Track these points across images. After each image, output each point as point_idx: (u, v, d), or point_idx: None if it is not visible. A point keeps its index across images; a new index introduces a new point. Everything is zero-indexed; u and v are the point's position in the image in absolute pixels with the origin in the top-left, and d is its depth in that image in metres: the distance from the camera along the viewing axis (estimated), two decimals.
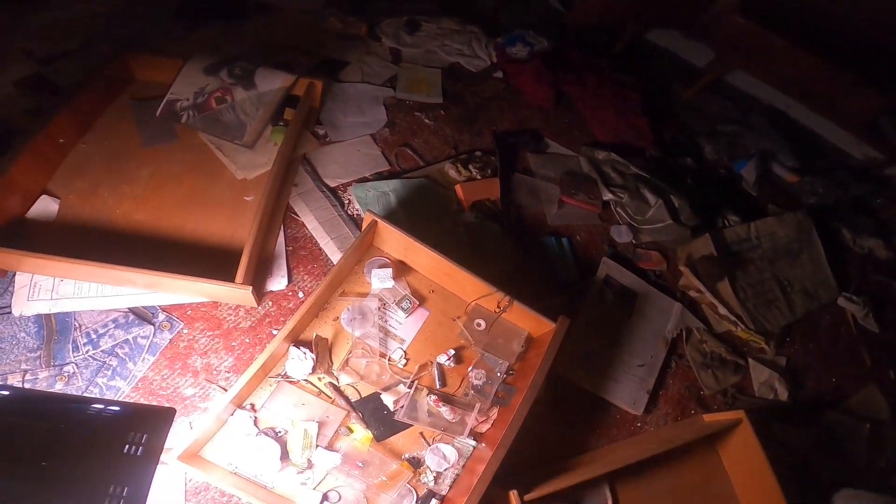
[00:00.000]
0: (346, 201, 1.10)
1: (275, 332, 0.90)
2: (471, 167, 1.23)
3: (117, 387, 0.83)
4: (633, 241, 1.25)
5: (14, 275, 0.86)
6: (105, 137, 1.04)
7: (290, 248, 0.99)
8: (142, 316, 0.87)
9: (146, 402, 0.85)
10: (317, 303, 0.86)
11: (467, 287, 0.93)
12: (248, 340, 0.89)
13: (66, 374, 0.83)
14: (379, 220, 0.90)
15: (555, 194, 1.27)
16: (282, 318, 0.92)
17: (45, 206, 0.91)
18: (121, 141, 1.04)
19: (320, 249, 1.01)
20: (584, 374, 1.00)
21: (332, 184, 1.11)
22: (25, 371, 0.82)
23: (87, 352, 0.85)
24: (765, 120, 1.74)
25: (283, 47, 1.38)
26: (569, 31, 1.78)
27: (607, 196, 1.30)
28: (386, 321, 0.92)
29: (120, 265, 0.80)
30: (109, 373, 0.84)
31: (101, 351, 0.85)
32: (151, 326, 0.86)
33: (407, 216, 1.07)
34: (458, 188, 1.16)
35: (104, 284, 0.87)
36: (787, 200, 1.51)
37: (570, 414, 0.97)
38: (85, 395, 0.85)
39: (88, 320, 0.86)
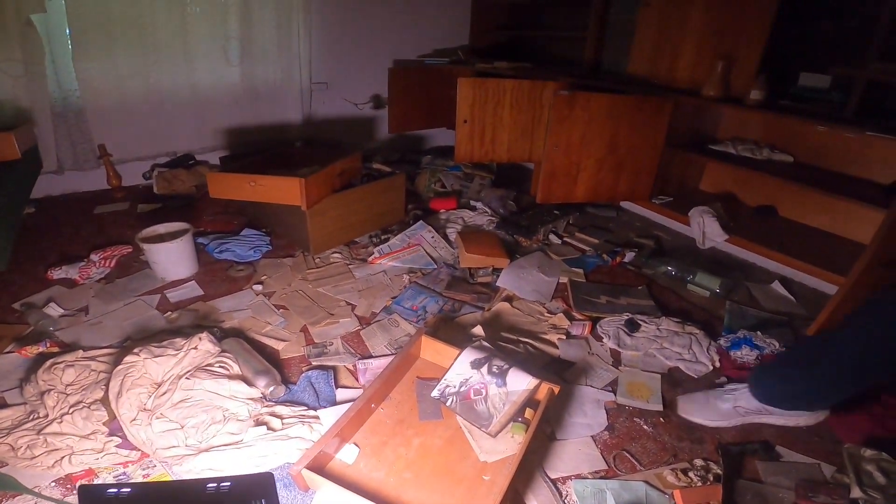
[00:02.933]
0: (565, 493, 1.20)
1: None
2: (691, 475, 1.24)
3: None
4: None
5: (314, 493, 1.15)
6: (395, 405, 1.39)
7: None
8: None
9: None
10: None
11: None
12: None
13: None
14: None
15: (787, 499, 1.17)
16: None
17: (350, 452, 1.24)
18: (405, 411, 1.37)
19: None
20: None
21: (553, 476, 1.24)
22: None
23: None
24: None
25: (519, 341, 1.67)
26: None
27: (856, 494, 1.13)
28: None
29: None
30: None
31: None
32: None
33: None
34: (676, 493, 1.17)
35: None
36: None
37: None
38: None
39: None
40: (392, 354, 1.61)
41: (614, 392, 1.51)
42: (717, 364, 1.62)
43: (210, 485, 0.98)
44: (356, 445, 1.25)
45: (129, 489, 0.95)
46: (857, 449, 1.30)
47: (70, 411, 1.28)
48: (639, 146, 2.42)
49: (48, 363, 1.39)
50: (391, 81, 3.12)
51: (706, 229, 2.33)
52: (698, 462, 1.29)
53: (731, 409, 1.39)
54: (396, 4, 3.33)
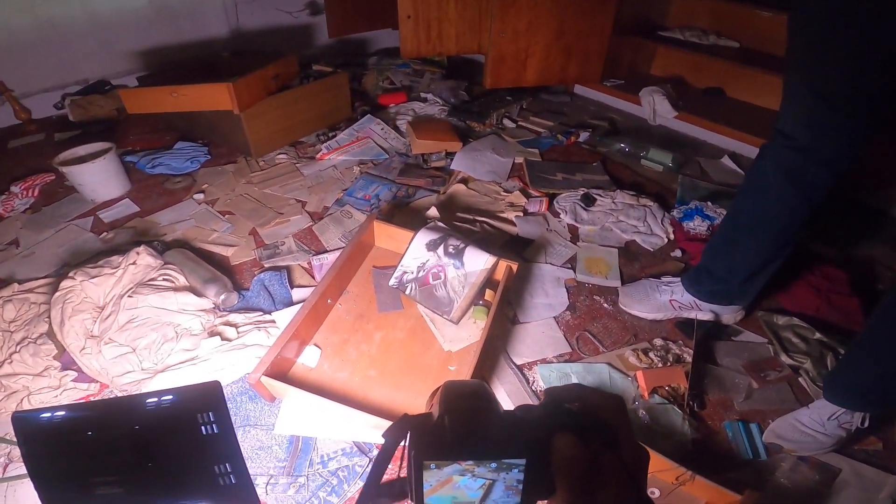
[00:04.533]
0: (531, 378, 1.19)
1: None
2: (651, 355, 1.24)
3: (332, 501, 0.98)
4: None
5: (281, 402, 1.11)
6: (353, 299, 1.32)
7: None
8: (361, 449, 1.05)
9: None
10: None
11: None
12: None
13: (297, 484, 1.01)
14: None
15: (742, 383, 1.20)
16: None
17: (311, 354, 1.18)
18: (363, 304, 1.31)
19: None
20: None
21: (519, 362, 1.22)
22: (270, 476, 1.01)
23: (317, 469, 1.03)
24: None
25: (476, 221, 1.61)
26: None
27: (787, 360, 1.23)
28: None
29: (352, 408, 1.00)
30: (329, 489, 1.01)
31: (327, 471, 1.02)
32: (367, 458, 1.03)
33: None
34: (639, 374, 1.18)
35: (341, 421, 1.06)
36: None
37: None
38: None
39: (323, 445, 1.05)
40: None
41: (574, 270, 1.48)
42: (672, 236, 1.61)
43: (150, 399, 0.89)
44: (317, 347, 1.19)
45: (63, 412, 0.86)
46: (771, 316, 1.35)
47: (17, 349, 1.16)
48: (586, 31, 2.30)
49: None
50: None
51: (657, 107, 2.27)
52: (658, 342, 1.28)
53: (666, 302, 1.35)
54: None
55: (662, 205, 1.72)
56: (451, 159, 1.96)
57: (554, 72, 2.37)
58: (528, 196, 1.76)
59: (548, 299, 1.38)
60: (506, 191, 1.80)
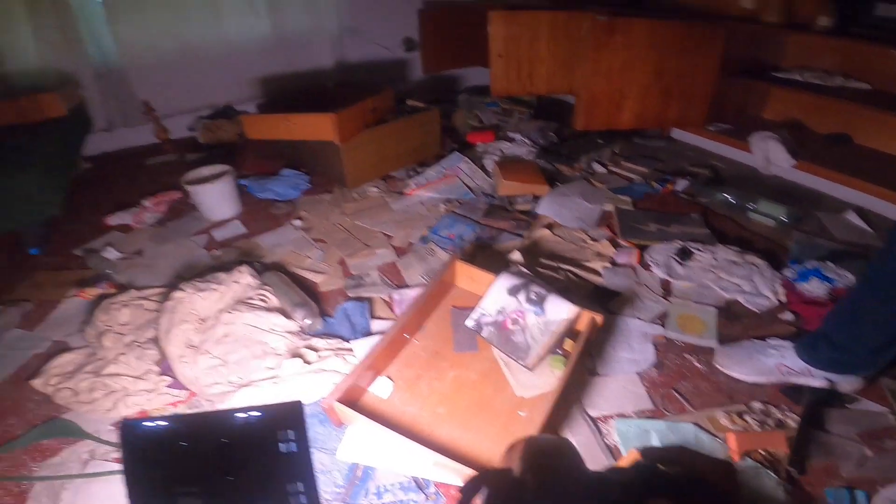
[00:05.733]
0: (606, 432, 1.11)
1: None
2: (747, 418, 1.11)
3: None
4: None
5: (347, 428, 1.11)
6: (429, 336, 1.32)
7: None
8: (419, 485, 1.02)
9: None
10: None
11: None
12: None
13: None
14: None
15: (854, 451, 1.04)
16: None
17: (384, 385, 1.18)
18: (439, 342, 1.30)
19: None
20: None
21: (594, 414, 1.14)
22: (327, 501, 1.00)
23: (372, 500, 1.00)
24: None
25: (560, 269, 1.56)
26: None
27: None
28: None
29: (417, 442, 0.98)
30: None
31: (381, 503, 1.00)
32: (423, 495, 1.00)
33: None
34: (730, 436, 1.04)
35: (403, 454, 1.04)
36: None
37: None
38: None
39: (382, 477, 1.03)
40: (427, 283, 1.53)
41: (664, 325, 1.37)
42: (782, 298, 1.44)
43: (240, 415, 0.95)
44: (390, 379, 1.19)
45: (165, 423, 0.94)
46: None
47: (125, 352, 1.28)
48: (688, 73, 2.17)
49: (105, 303, 1.41)
50: (422, 23, 2.97)
51: (771, 155, 2.06)
52: (756, 405, 1.15)
53: (772, 366, 1.21)
54: None
55: (772, 263, 1.55)
56: (538, 203, 1.92)
57: (651, 114, 2.27)
58: (617, 246, 1.68)
59: (632, 354, 1.28)
60: (593, 239, 1.72)
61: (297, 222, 1.89)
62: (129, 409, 1.18)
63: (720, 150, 2.35)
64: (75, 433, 1.16)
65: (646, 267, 1.59)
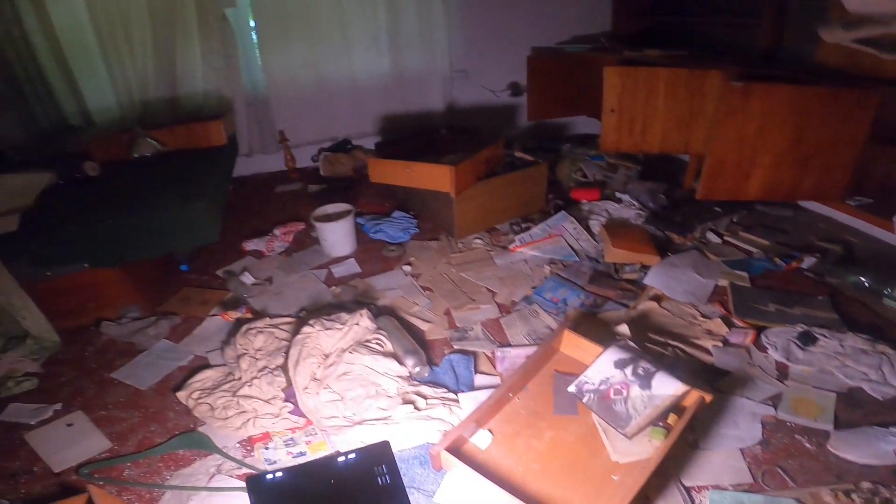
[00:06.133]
0: (698, 501, 1.16)
1: None
2: (854, 496, 1.12)
3: None
4: None
5: (445, 473, 1.26)
6: (531, 396, 1.44)
7: None
8: None
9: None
10: None
11: None
12: None
13: None
14: None
15: None
16: None
17: (483, 437, 1.32)
18: (540, 403, 1.42)
19: None
20: None
21: (688, 483, 1.20)
22: None
23: None
24: None
25: (668, 344, 1.61)
26: None
27: None
28: None
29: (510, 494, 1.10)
30: None
31: None
32: None
33: None
34: None
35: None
36: None
37: None
38: None
39: None
40: (530, 345, 1.66)
41: (775, 407, 1.39)
42: None
43: (340, 458, 1.23)
44: (490, 432, 1.33)
45: (281, 474, 1.24)
46: None
47: (258, 375, 1.53)
48: (831, 142, 2.08)
49: (244, 328, 1.70)
50: (530, 70, 3.13)
51: None
52: (865, 485, 1.15)
53: (891, 451, 1.22)
54: None
55: None
56: (646, 273, 1.95)
57: (783, 186, 2.20)
58: (730, 325, 1.68)
59: (738, 431, 1.32)
60: (704, 316, 1.74)
61: (407, 268, 2.12)
62: (255, 430, 1.42)
63: (855, 225, 2.24)
64: (207, 447, 1.40)
65: (761, 348, 1.59)
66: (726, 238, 2.20)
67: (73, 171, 2.17)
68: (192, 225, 1.87)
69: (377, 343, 1.54)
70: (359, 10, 3.02)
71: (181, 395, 1.54)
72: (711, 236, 2.21)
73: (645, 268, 2.00)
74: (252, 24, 2.91)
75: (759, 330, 1.65)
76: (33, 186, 2.04)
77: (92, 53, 2.75)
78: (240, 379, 1.55)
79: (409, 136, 2.89)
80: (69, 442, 1.45)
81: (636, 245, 2.05)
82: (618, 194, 2.55)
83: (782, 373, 1.50)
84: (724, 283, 1.90)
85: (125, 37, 2.72)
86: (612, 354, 1.41)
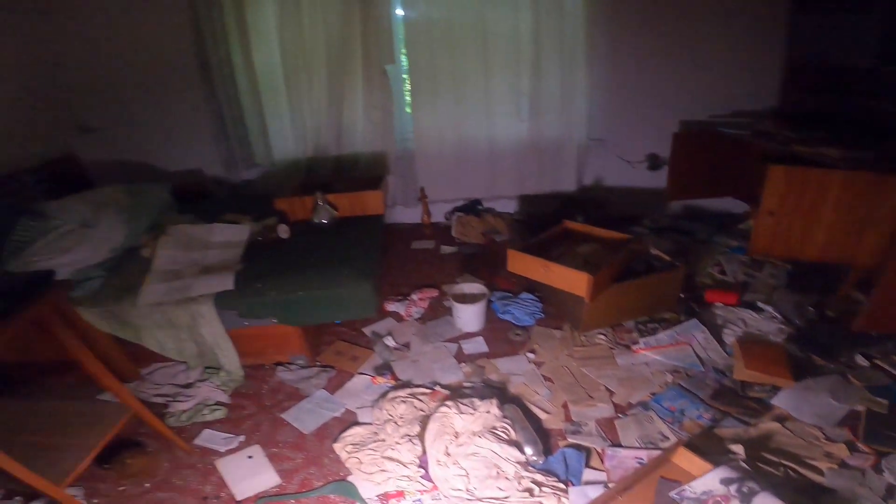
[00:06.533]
0: None
1: None
2: None
3: None
4: None
5: None
6: (634, 499, 1.61)
7: None
8: None
9: None
10: None
11: None
12: None
13: None
14: None
15: None
16: None
17: None
18: None
19: None
20: None
21: None
22: None
23: None
24: None
25: (781, 465, 1.67)
26: None
27: None
28: None
29: None
30: None
31: None
32: None
33: None
34: None
35: None
36: None
37: None
38: None
39: None
40: (640, 448, 1.84)
41: None
42: None
43: None
44: None
45: None
46: None
47: (401, 441, 1.89)
48: None
49: (390, 395, 2.11)
50: (675, 146, 3.08)
51: None
52: None
53: None
54: (686, 58, 3.27)
55: None
56: (776, 393, 1.97)
57: None
58: (853, 450, 1.70)
59: None
60: (828, 438, 1.76)
61: (531, 355, 2.40)
62: (391, 488, 1.77)
63: None
64: (354, 496, 1.76)
65: (878, 471, 1.61)
66: (875, 361, 2.12)
67: (268, 233, 2.71)
68: (361, 301, 2.32)
69: (503, 431, 1.85)
70: (504, 73, 3.23)
71: (336, 446, 1.96)
72: (860, 358, 2.14)
73: (776, 387, 2.01)
74: (406, 80, 3.27)
75: (883, 455, 1.66)
76: (236, 239, 2.63)
77: (280, 97, 3.20)
78: (384, 441, 1.93)
79: (545, 217, 3.09)
80: (249, 473, 1.85)
81: (771, 366, 2.05)
82: (759, 304, 2.49)
83: (891, 494, 1.53)
84: (860, 408, 1.90)
85: (307, 80, 3.12)
86: (720, 472, 1.56)
